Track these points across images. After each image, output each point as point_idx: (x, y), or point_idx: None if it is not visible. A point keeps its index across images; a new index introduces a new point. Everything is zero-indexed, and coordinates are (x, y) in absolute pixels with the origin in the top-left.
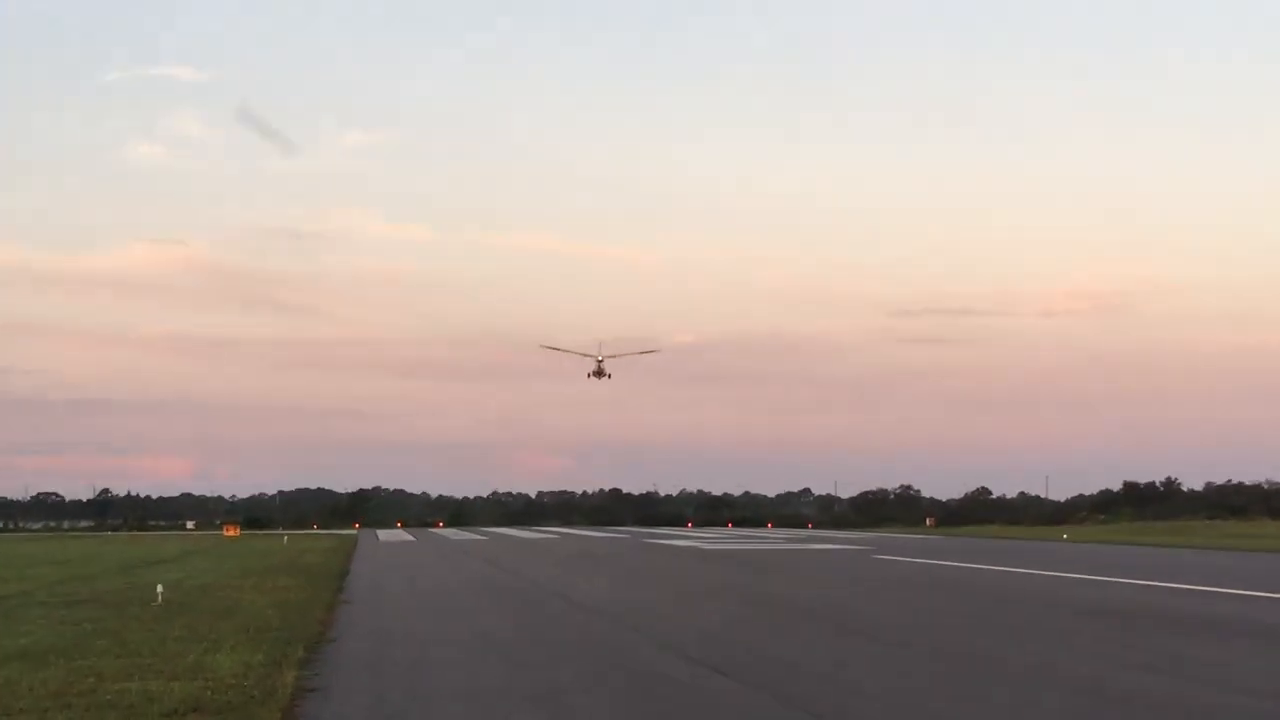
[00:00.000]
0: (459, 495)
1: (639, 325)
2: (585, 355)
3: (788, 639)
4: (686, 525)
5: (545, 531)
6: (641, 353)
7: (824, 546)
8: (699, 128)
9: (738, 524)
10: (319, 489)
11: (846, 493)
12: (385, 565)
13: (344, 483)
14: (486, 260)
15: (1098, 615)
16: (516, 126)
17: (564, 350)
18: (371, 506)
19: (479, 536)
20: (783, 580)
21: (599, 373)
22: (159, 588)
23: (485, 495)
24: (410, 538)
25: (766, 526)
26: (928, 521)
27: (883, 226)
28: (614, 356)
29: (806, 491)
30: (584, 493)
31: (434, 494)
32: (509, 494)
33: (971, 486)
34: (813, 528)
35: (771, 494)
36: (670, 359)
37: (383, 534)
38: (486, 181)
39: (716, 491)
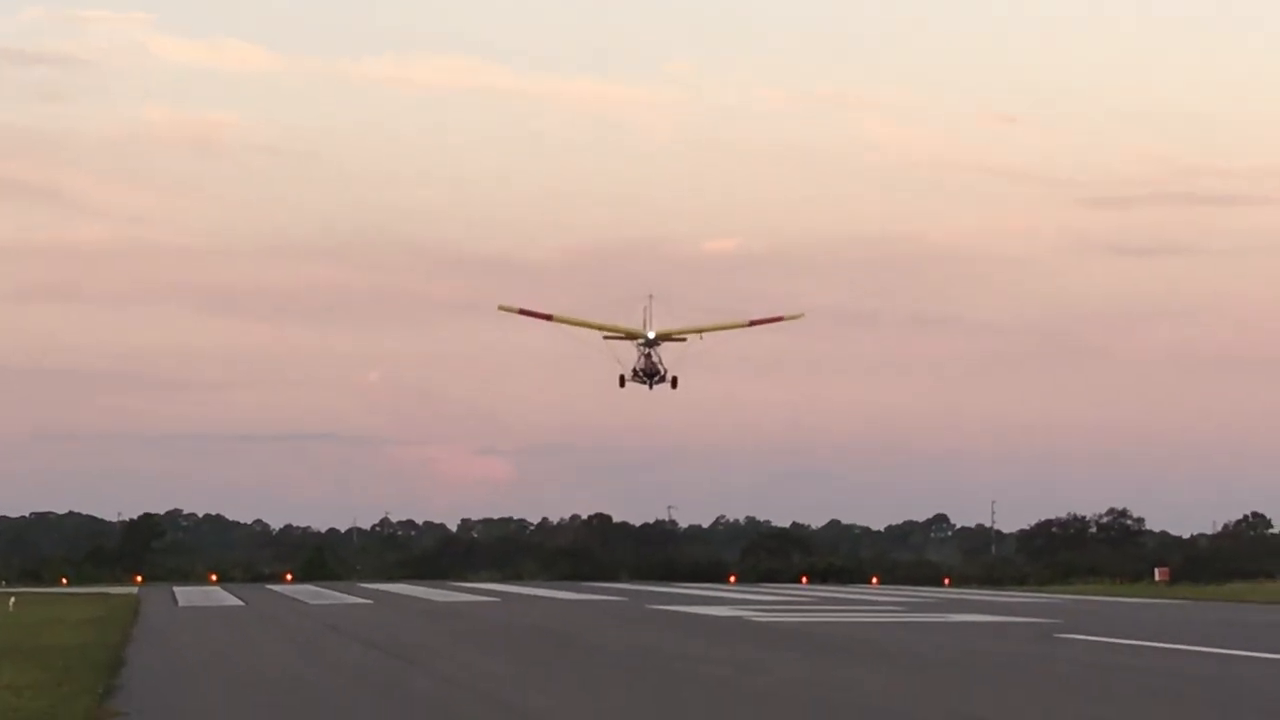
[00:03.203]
0: (320, 526)
1: (638, 222)
2: (608, 331)
3: None
4: (728, 580)
5: (476, 592)
6: (757, 322)
7: (969, 620)
8: None
9: (818, 578)
10: (70, 514)
11: (1011, 523)
12: (192, 658)
13: (114, 503)
14: (368, 108)
15: None
16: None
17: (555, 319)
18: (163, 546)
19: (359, 600)
20: (924, 696)
21: (647, 372)
22: None
23: (367, 526)
24: (235, 601)
25: (870, 582)
26: (1157, 575)
27: (1072, 49)
28: (683, 336)
29: (940, 521)
30: (544, 522)
31: (275, 523)
32: (409, 524)
33: (1233, 514)
34: (951, 584)
35: (879, 525)
36: (694, 281)
37: (183, 593)
38: None
39: (780, 521)
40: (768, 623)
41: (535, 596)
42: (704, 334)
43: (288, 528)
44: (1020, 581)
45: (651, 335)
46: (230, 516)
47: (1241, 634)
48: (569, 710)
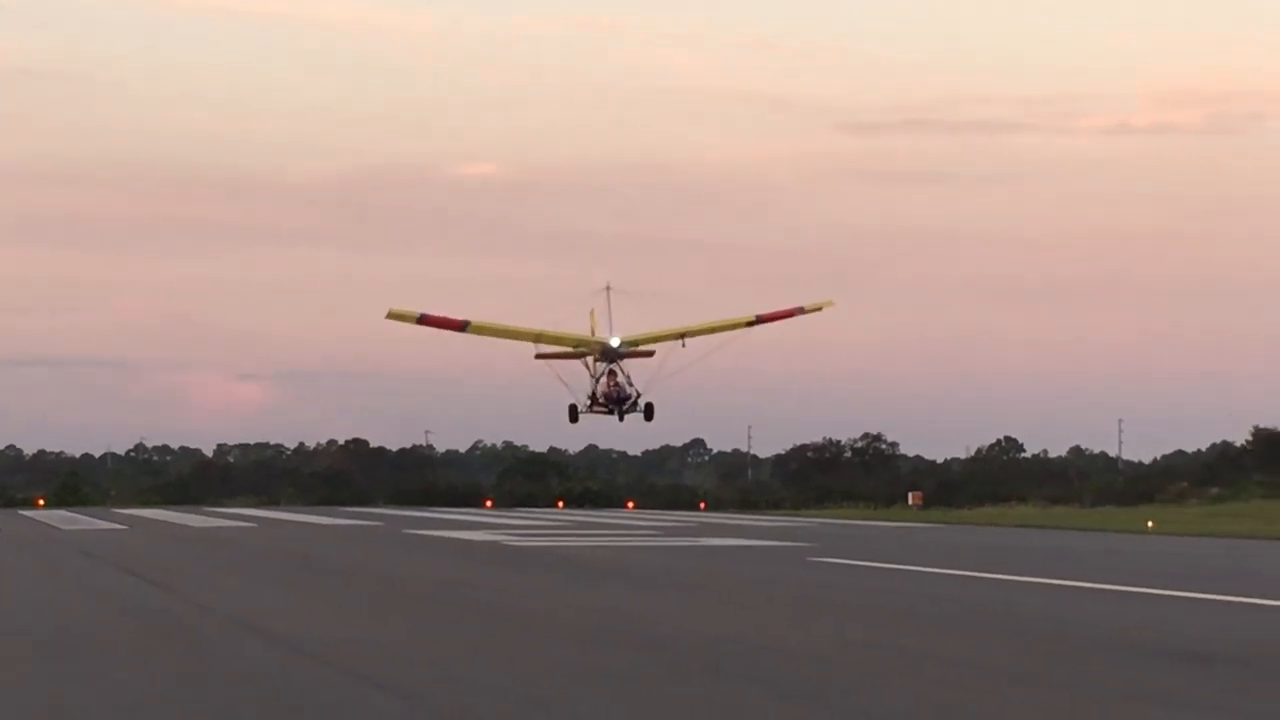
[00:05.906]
0: (74, 450)
1: (398, 145)
2: (545, 346)
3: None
4: (484, 504)
5: (233, 517)
6: (766, 318)
7: (723, 543)
8: None
9: (574, 502)
10: None
11: (767, 448)
12: None
13: None
14: (135, 30)
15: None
16: None
17: (471, 328)
18: None
19: (114, 526)
20: (659, 604)
21: (612, 398)
22: None
23: (122, 451)
24: None
25: (624, 506)
26: (911, 499)
27: None
28: (650, 350)
29: (696, 446)
30: (301, 447)
31: (27, 448)
32: (165, 449)
33: (986, 439)
34: (706, 508)
35: (636, 450)
36: (451, 205)
37: None
38: None
39: (537, 445)
40: (524, 546)
41: (292, 521)
42: (686, 339)
43: (40, 453)
44: (776, 505)
45: (616, 343)
46: None
47: (989, 557)
48: (322, 634)
